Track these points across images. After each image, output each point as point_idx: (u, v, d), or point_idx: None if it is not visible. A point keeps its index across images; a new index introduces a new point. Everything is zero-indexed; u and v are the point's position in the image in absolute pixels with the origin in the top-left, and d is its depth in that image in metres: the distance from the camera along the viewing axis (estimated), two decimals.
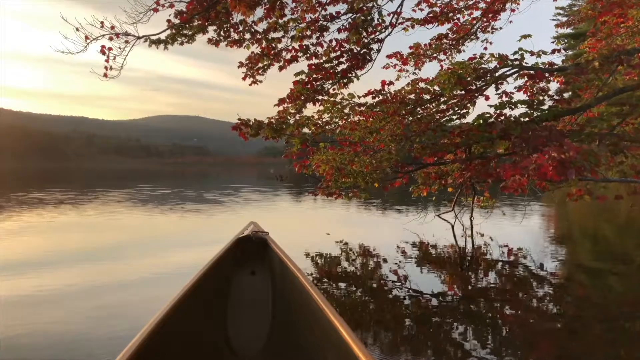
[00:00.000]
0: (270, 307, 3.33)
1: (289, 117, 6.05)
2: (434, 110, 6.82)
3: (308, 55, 5.62)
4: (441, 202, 9.93)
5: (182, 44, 7.16)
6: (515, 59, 6.25)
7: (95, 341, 3.47)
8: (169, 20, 5.72)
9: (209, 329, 2.89)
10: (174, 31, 6.98)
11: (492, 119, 6.44)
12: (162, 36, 7.05)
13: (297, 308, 2.74)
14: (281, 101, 5.83)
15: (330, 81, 5.79)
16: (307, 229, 9.51)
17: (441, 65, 7.96)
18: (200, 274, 2.74)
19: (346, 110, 6.94)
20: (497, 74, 6.01)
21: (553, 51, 6.18)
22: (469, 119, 6.79)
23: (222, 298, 3.25)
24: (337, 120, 7.06)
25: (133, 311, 4.23)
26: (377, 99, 6.52)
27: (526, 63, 6.51)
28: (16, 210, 11.89)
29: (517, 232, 8.70)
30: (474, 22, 7.44)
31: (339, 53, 5.68)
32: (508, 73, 6.22)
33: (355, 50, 5.65)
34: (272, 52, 5.69)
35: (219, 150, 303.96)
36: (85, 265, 5.97)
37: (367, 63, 5.77)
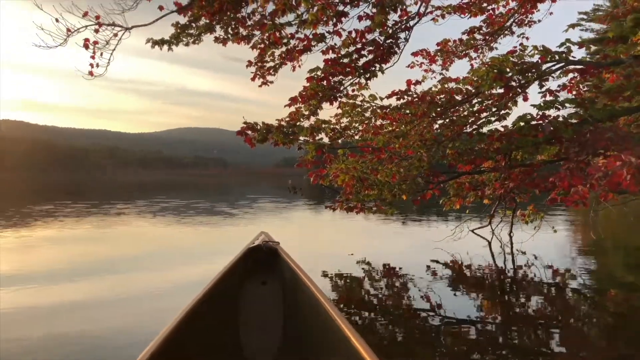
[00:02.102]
0: (282, 318, 3.31)
1: (301, 120, 5.31)
2: (466, 112, 6.04)
3: (324, 47, 4.86)
4: (475, 215, 9.05)
5: (187, 44, 6.59)
6: (562, 52, 5.45)
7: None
8: (161, 7, 5.06)
9: (221, 339, 2.90)
10: (178, 31, 6.42)
11: (534, 121, 5.65)
12: (166, 37, 6.53)
13: (309, 318, 2.75)
14: (293, 100, 5.06)
15: (350, 77, 5.02)
16: (325, 244, 8.73)
17: (472, 65, 7.21)
18: (211, 284, 2.74)
19: (367, 114, 6.20)
20: (542, 69, 5.19)
21: (607, 42, 5.35)
22: (507, 120, 5.99)
23: (233, 308, 3.24)
24: (357, 125, 6.31)
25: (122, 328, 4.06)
26: (402, 101, 5.77)
27: (573, 57, 5.72)
28: (16, 223, 11.44)
29: (561, 248, 7.79)
30: (510, 13, 6.65)
31: (359, 45, 4.91)
32: (554, 68, 5.41)
33: (379, 41, 4.89)
34: (281, 40, 4.95)
35: (239, 162, 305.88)
36: (76, 281, 5.61)
37: (393, 55, 5.00)
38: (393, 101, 5.95)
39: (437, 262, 6.57)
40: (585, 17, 39.13)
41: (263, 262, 3.58)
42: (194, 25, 6.33)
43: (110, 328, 4.00)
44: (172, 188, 42.49)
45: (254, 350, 3.05)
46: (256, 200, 22.42)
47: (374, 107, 6.01)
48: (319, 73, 4.87)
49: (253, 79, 5.80)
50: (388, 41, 4.85)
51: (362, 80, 5.25)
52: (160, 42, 6.46)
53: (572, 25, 5.53)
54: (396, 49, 4.91)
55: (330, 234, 10.49)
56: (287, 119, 5.24)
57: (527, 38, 7.20)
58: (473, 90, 5.66)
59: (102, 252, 7.91)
